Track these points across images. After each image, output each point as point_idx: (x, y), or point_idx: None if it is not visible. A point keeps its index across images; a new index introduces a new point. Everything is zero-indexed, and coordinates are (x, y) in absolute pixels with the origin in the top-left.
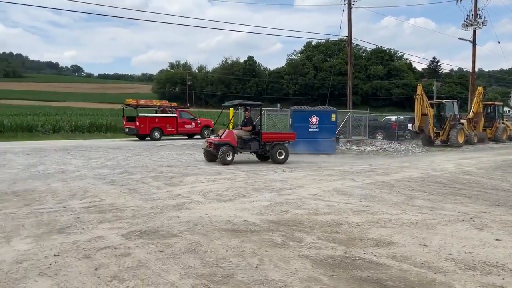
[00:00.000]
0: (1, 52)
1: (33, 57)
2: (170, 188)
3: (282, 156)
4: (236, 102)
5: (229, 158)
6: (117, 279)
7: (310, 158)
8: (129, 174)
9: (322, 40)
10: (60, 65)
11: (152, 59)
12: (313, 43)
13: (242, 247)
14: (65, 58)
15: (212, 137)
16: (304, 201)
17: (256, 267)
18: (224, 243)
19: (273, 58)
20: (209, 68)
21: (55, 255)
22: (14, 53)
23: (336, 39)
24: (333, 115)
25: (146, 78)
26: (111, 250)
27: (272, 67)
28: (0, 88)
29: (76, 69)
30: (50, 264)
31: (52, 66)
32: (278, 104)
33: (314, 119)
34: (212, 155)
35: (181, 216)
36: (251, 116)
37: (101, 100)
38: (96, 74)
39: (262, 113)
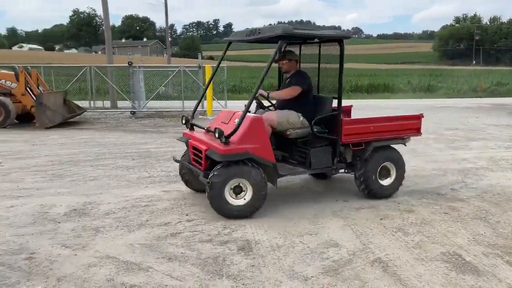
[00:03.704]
0: (294, 20)
1: (319, 22)
2: (453, 151)
3: (389, 181)
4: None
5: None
6: (401, 232)
7: None
8: None
9: None
10: (343, 28)
11: (434, 15)
12: None
13: None
14: (347, 21)
15: (195, 132)
16: None
17: None
18: None
19: None
20: (504, 19)
21: (344, 201)
22: (304, 21)
23: None
24: None
25: (426, 36)
26: (395, 204)
27: None
28: None
29: (356, 31)
30: (341, 209)
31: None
32: None
33: None
34: (195, 181)
35: (467, 181)
36: (300, 70)
37: (379, 61)
38: (375, 35)
39: (343, 58)
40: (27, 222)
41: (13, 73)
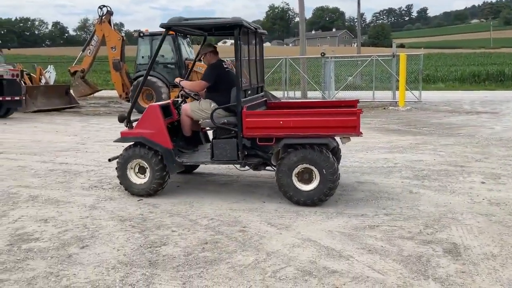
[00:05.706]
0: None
1: None
2: None
3: (311, 187)
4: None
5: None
6: None
7: None
8: None
9: None
10: None
11: None
12: None
13: None
14: None
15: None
16: None
17: None
18: None
19: None
20: None
21: None
22: None
23: None
24: None
25: None
26: None
27: None
28: (506, 37)
29: None
30: None
31: None
32: None
33: None
34: None
35: None
36: (214, 63)
37: None
38: None
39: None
40: (239, 199)
41: None
